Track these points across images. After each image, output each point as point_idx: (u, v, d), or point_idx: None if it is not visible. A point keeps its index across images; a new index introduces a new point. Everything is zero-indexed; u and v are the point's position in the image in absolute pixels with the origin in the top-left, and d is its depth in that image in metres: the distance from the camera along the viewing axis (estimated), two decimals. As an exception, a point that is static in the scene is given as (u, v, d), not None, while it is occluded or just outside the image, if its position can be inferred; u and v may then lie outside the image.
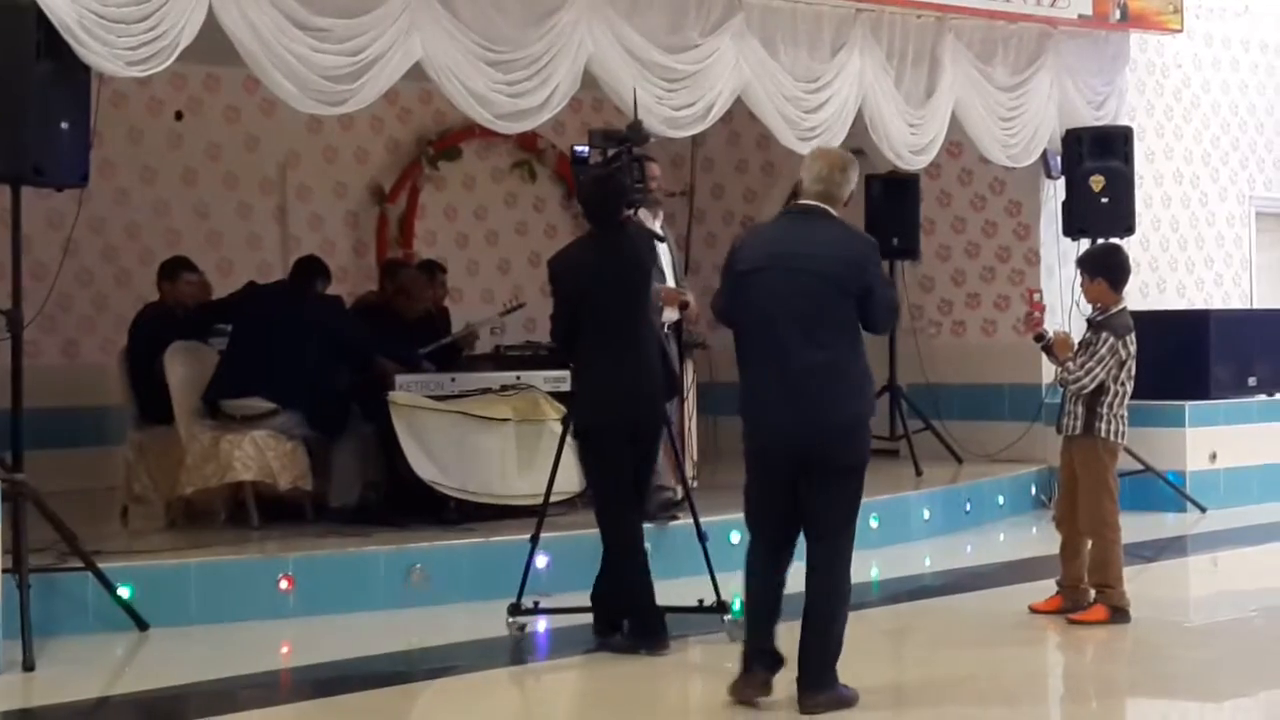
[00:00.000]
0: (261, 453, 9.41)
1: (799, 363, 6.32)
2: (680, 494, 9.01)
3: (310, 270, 10.16)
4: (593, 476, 7.89)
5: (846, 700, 6.51)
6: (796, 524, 6.50)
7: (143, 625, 8.00)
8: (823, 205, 6.49)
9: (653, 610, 7.68)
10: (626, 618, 7.76)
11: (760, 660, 6.55)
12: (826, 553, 6.46)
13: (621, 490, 7.71)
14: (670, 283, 9.37)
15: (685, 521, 8.33)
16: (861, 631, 8.48)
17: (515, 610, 7.94)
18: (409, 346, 10.21)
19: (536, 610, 8.03)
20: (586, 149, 8.52)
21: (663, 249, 9.06)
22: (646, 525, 8.56)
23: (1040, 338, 8.25)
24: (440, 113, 13.15)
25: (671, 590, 7.98)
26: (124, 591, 8.02)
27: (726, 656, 6.90)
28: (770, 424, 6.43)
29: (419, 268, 11.54)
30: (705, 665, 7.68)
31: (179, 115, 12.56)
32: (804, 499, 6.42)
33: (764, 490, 6.55)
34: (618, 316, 7.71)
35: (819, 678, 6.45)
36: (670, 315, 8.68)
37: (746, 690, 6.54)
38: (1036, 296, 7.70)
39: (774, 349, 6.37)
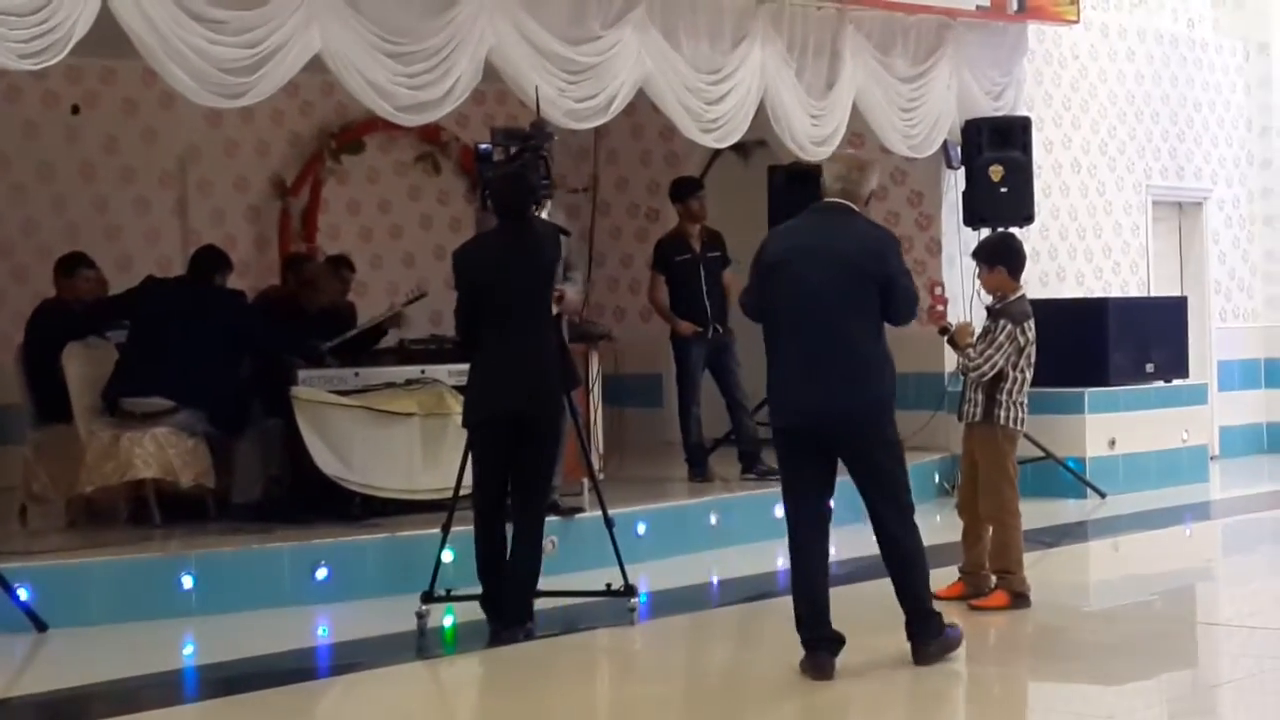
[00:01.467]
0: (162, 450, 9.31)
1: (824, 347, 6.76)
2: (558, 497, 9.10)
3: (210, 262, 10.05)
4: (473, 468, 7.97)
5: (954, 642, 7.05)
6: (828, 496, 7.00)
7: (42, 626, 7.89)
8: (845, 202, 6.92)
9: (495, 597, 7.82)
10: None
11: (824, 647, 6.88)
12: (889, 510, 6.96)
13: (485, 485, 7.85)
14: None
15: (592, 514, 8.34)
16: (761, 623, 8.58)
17: (429, 598, 7.94)
18: (312, 341, 10.11)
19: (450, 598, 8.03)
20: (490, 146, 8.53)
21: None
22: (552, 519, 8.62)
23: (944, 330, 8.34)
24: (342, 105, 13.06)
25: (582, 581, 8.01)
26: (23, 592, 7.92)
27: (630, 639, 6.89)
28: (797, 405, 6.83)
29: (326, 263, 11.44)
30: (611, 648, 7.74)
31: (75, 109, 12.41)
32: (851, 474, 6.95)
33: (795, 468, 6.96)
34: (517, 310, 7.78)
35: (925, 625, 6.96)
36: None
37: (819, 672, 6.83)
38: (938, 290, 7.81)
39: (801, 335, 6.78)
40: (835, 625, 6.94)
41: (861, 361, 6.83)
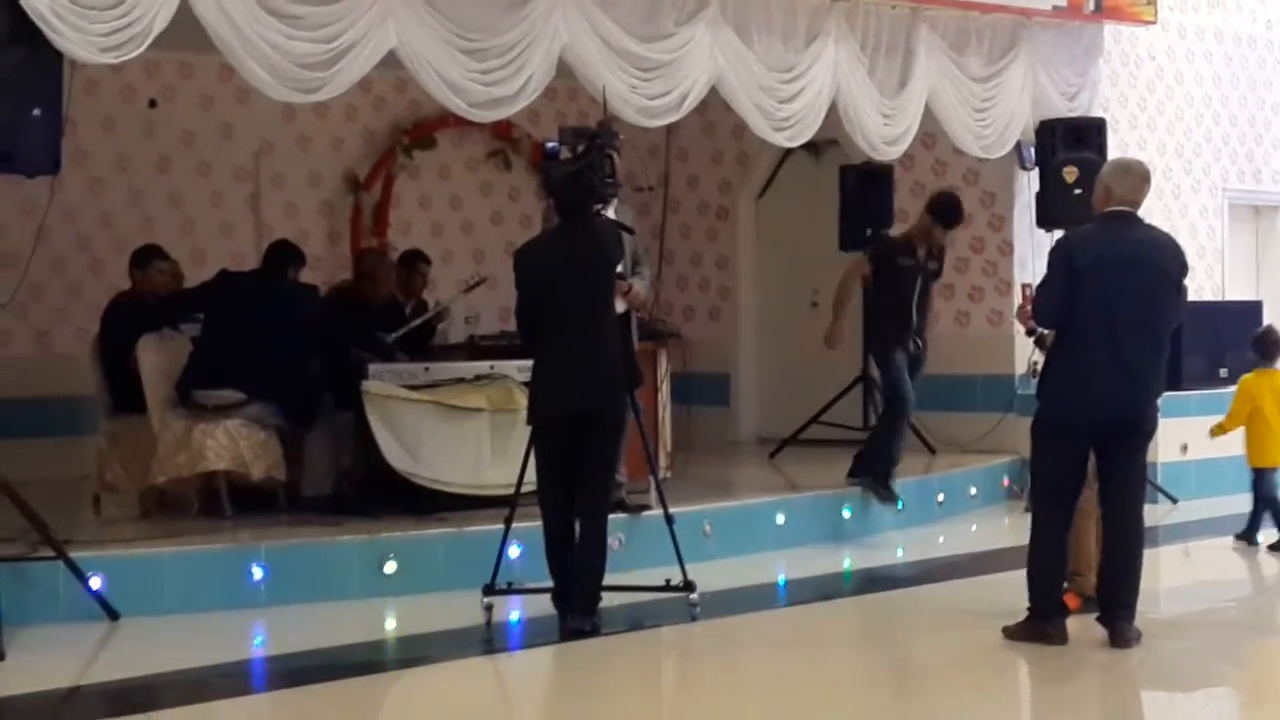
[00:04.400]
0: (234, 442, 9.38)
1: (1130, 344, 7.31)
2: (625, 494, 9.14)
3: (283, 257, 10.12)
4: (536, 465, 8.01)
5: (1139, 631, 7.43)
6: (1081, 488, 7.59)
7: (114, 615, 7.98)
8: (1133, 210, 7.46)
9: (568, 591, 7.89)
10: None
11: (1062, 612, 7.52)
12: (1132, 501, 7.50)
13: (550, 483, 7.92)
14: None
15: (659, 511, 8.35)
16: (834, 620, 8.57)
17: (490, 590, 7.99)
18: (379, 335, 10.13)
19: (510, 590, 8.07)
20: (557, 145, 8.56)
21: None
22: (617, 516, 8.66)
23: (1032, 331, 8.28)
24: (415, 101, 13.14)
25: (648, 578, 8.04)
26: (96, 581, 8.00)
27: (690, 636, 6.90)
28: (1100, 398, 7.33)
29: (401, 258, 11.43)
30: (674, 645, 7.75)
31: (153, 103, 12.53)
32: (1111, 461, 7.47)
33: (1070, 458, 7.46)
34: (579, 309, 7.83)
35: (1132, 611, 7.41)
36: (619, 305, 8.69)
37: (1061, 635, 7.44)
38: (1029, 290, 7.85)
39: (1110, 333, 7.28)
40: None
41: (1161, 359, 7.47)
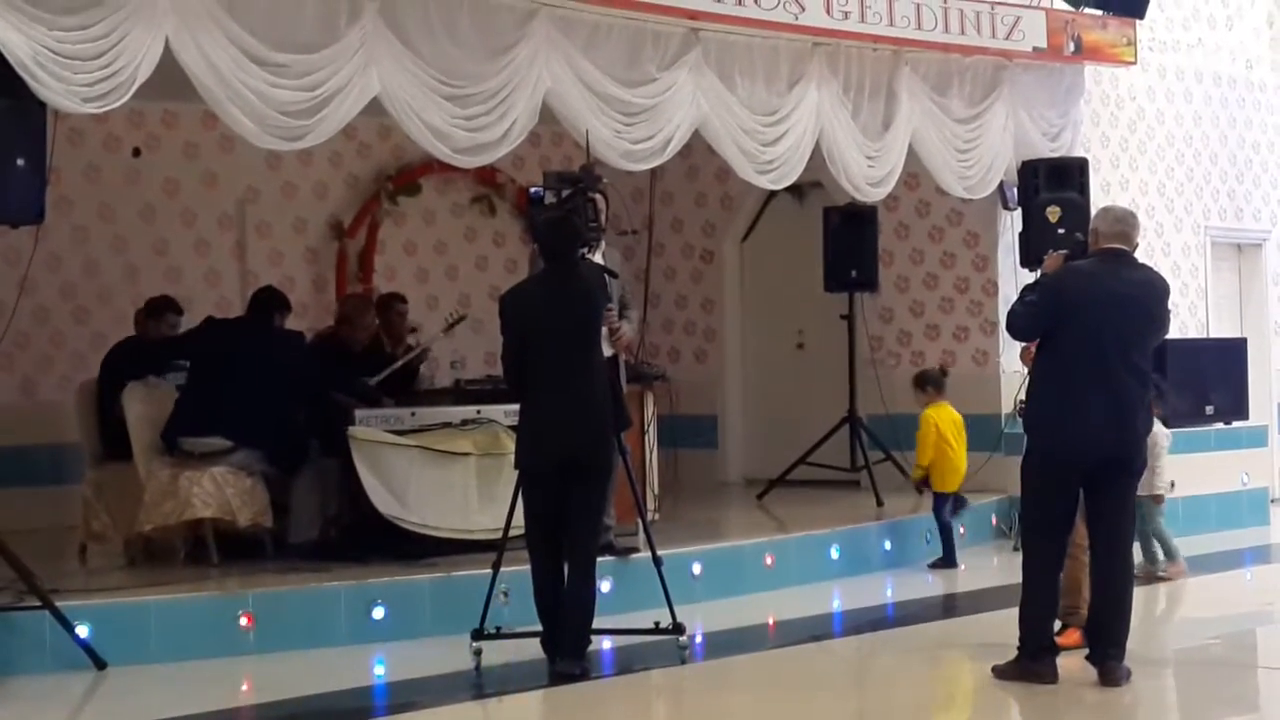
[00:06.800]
0: (220, 489, 9.36)
1: (1119, 382, 7.36)
2: (614, 537, 9.13)
3: (269, 303, 10.13)
4: (524, 509, 8.03)
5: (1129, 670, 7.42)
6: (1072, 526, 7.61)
7: (101, 664, 7.94)
8: (1126, 248, 7.58)
9: (554, 635, 7.89)
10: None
11: (1052, 651, 7.48)
12: (1121, 538, 7.52)
13: (537, 527, 7.93)
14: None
15: (647, 554, 8.35)
16: (824, 662, 8.55)
17: (478, 635, 7.97)
18: (361, 379, 10.13)
19: (499, 635, 8.05)
20: (541, 190, 8.60)
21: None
22: (606, 559, 8.64)
23: None
24: (399, 147, 13.16)
25: (637, 621, 8.02)
26: (82, 630, 7.96)
27: (682, 679, 6.86)
28: (1092, 437, 7.34)
29: (378, 303, 11.44)
30: (664, 688, 7.71)
31: (136, 152, 12.54)
32: (1100, 499, 7.48)
33: (1060, 496, 7.47)
34: (565, 353, 7.84)
35: (1122, 650, 7.38)
36: (607, 349, 8.70)
37: (1051, 674, 7.40)
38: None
39: (1099, 370, 7.34)
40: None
41: (1145, 396, 7.49)
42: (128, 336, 10.59)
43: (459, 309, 11.60)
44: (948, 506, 11.29)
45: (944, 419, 11.30)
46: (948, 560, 11.19)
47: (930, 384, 11.43)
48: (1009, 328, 7.88)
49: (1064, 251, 8.05)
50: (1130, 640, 7.47)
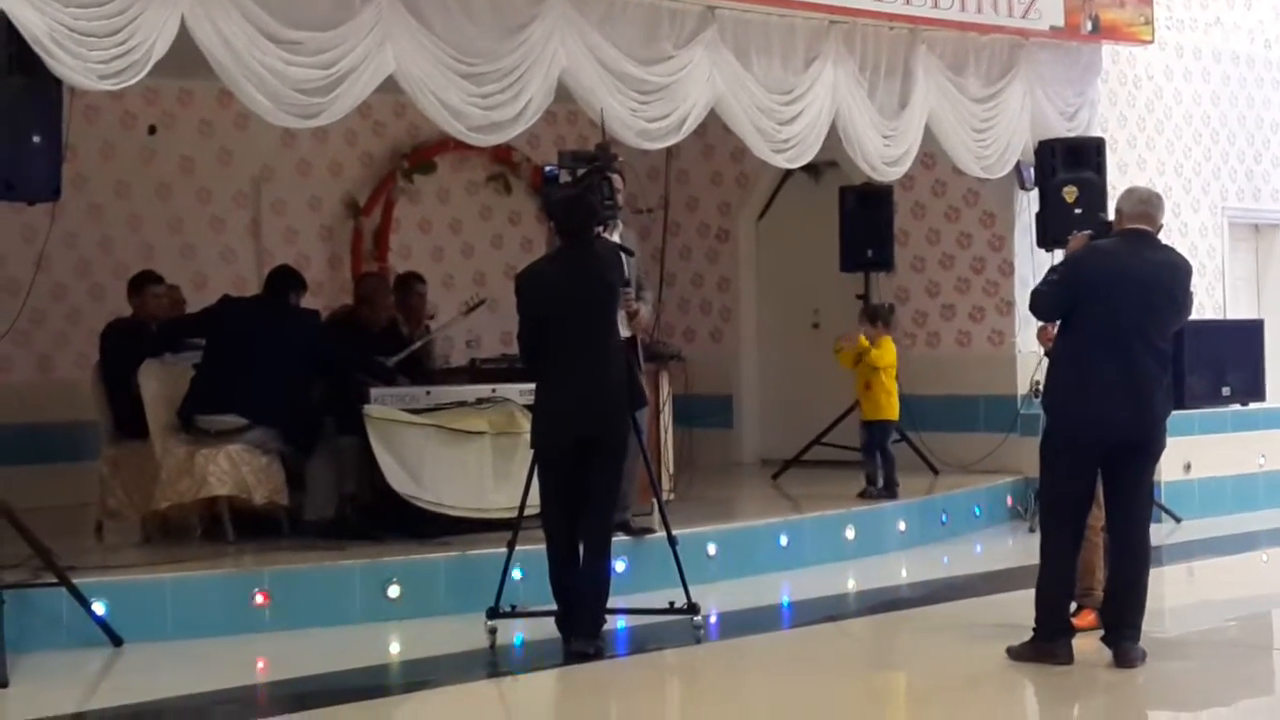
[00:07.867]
0: (236, 467, 9.38)
1: (1139, 363, 7.33)
2: (630, 517, 9.11)
3: (284, 282, 10.12)
4: (539, 488, 8.02)
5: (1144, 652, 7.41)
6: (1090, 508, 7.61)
7: (117, 641, 7.96)
8: (1150, 229, 7.52)
9: (569, 614, 7.88)
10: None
11: (1068, 633, 7.47)
12: (1139, 521, 7.47)
13: (553, 506, 7.91)
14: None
15: (663, 534, 8.35)
16: (839, 642, 8.55)
17: (493, 614, 7.97)
18: (378, 358, 10.14)
19: (514, 614, 8.06)
20: (556, 169, 8.58)
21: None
22: (621, 538, 8.65)
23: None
24: (414, 126, 13.15)
25: (652, 600, 8.03)
26: (99, 607, 7.99)
27: (694, 659, 6.87)
28: (1110, 419, 7.31)
29: (396, 282, 11.44)
30: (678, 668, 7.72)
31: (152, 129, 12.54)
32: (1118, 480, 7.47)
33: (1079, 477, 7.45)
34: (581, 332, 7.83)
35: (1137, 631, 7.39)
36: (624, 330, 8.70)
37: (1066, 656, 7.39)
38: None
39: (1118, 351, 7.32)
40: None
41: (1166, 377, 7.46)
42: (122, 316, 10.57)
43: (478, 293, 11.60)
44: (891, 435, 11.52)
45: (887, 355, 11.55)
46: (889, 490, 11.36)
47: (881, 319, 11.68)
48: (1032, 308, 7.87)
49: (1088, 231, 7.99)
50: (1145, 622, 7.46)
